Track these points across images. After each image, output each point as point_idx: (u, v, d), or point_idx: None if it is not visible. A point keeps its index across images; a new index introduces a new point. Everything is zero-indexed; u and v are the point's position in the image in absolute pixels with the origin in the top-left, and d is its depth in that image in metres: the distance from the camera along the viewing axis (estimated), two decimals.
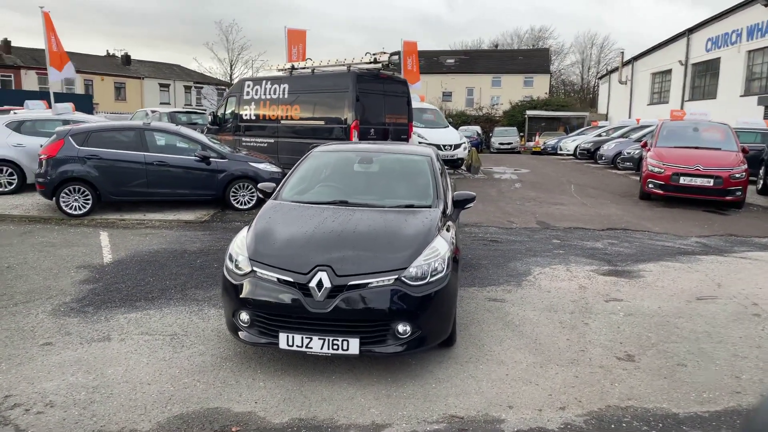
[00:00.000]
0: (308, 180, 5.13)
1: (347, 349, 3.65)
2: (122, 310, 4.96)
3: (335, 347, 3.66)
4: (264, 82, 13.27)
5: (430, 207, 4.62)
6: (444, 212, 4.68)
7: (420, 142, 15.18)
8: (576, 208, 11.33)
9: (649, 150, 12.32)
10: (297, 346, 3.68)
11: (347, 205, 4.61)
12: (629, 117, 31.77)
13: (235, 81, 13.75)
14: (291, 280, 3.75)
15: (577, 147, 23.49)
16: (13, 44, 45.08)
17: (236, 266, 3.97)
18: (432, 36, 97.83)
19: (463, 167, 16.72)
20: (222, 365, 3.96)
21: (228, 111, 14.08)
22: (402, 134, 12.89)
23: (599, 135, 23.27)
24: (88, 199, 9.09)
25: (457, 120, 40.09)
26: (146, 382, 3.69)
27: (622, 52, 38.03)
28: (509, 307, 5.33)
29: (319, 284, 3.69)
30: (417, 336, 3.78)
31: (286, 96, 12.69)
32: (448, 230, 4.51)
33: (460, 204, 5.03)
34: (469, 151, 16.82)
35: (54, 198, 8.99)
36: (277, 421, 3.28)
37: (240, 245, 4.10)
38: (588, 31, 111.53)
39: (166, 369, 3.88)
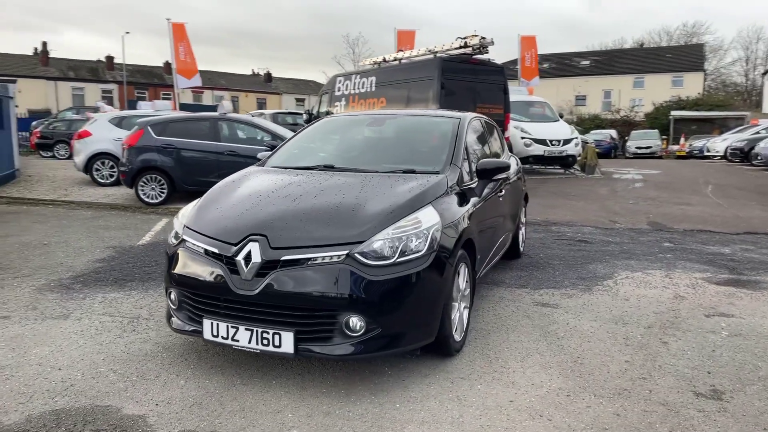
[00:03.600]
0: (307, 145, 4.31)
1: (279, 346, 2.74)
2: (108, 289, 4.52)
3: (265, 342, 2.77)
4: (354, 76, 12.78)
5: (437, 173, 3.55)
6: (459, 182, 3.59)
7: (523, 138, 13.71)
8: (706, 209, 9.23)
9: None
10: (222, 337, 2.85)
11: (333, 170, 3.71)
12: None
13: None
14: (216, 251, 2.93)
15: (727, 147, 20.02)
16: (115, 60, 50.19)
17: (174, 235, 3.26)
18: (570, 40, 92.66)
19: (576, 166, 14.82)
20: (156, 356, 3.26)
21: (322, 108, 13.82)
22: None
23: (756, 133, 19.59)
24: (164, 188, 9.16)
25: (590, 124, 36.88)
26: (58, 367, 3.10)
27: None
28: (559, 315, 4.03)
29: (248, 258, 2.83)
30: (375, 335, 2.75)
31: (373, 89, 12.06)
32: (462, 204, 3.42)
33: (486, 174, 3.85)
34: (583, 148, 14.88)
35: (133, 186, 9.18)
36: None
37: (183, 212, 3.40)
38: (753, 25, 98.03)
39: (93, 354, 3.27)
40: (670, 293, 4.61)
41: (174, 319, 3.11)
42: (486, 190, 4.01)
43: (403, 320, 2.84)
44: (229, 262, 2.86)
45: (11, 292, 4.42)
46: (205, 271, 2.92)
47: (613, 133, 31.43)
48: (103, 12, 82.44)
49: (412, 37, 20.93)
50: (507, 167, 3.94)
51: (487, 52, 11.30)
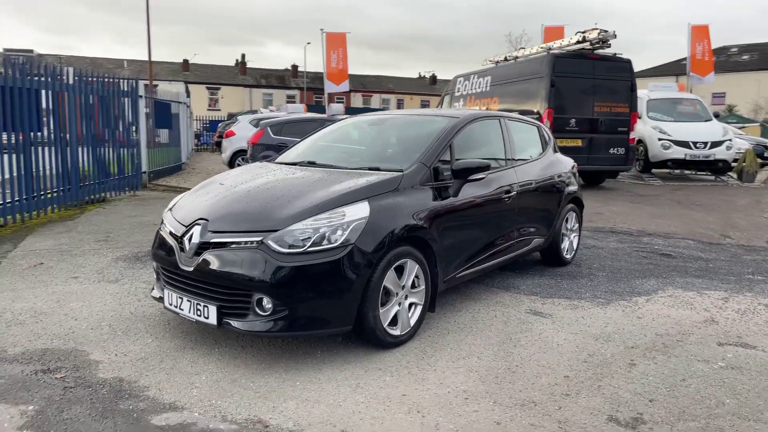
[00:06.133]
0: (312, 143, 4.64)
1: (208, 318, 3.13)
2: None
3: (198, 313, 3.18)
4: (472, 76, 12.75)
5: (398, 171, 3.63)
6: (426, 180, 3.63)
7: (660, 139, 12.37)
8: None
9: None
10: (173, 306, 3.33)
11: (313, 166, 4.00)
12: None
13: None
14: (172, 231, 3.42)
15: None
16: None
17: (161, 219, 3.84)
18: None
19: (732, 173, 12.87)
20: (149, 319, 3.83)
21: (443, 108, 14.01)
22: (619, 126, 10.71)
23: None
24: None
25: None
26: (75, 318, 3.84)
27: None
28: (540, 325, 3.82)
29: (191, 238, 3.27)
30: (283, 316, 3.00)
31: (488, 88, 11.93)
32: (418, 202, 3.48)
33: (460, 174, 3.79)
34: (743, 152, 12.85)
35: None
36: (104, 376, 3.02)
37: (176, 198, 3.97)
38: None
39: (107, 312, 3.96)
40: (703, 317, 4.04)
41: (154, 289, 3.68)
42: (472, 190, 3.95)
43: (312, 306, 3.03)
44: (179, 241, 3.34)
45: (95, 258, 5.48)
46: (164, 247, 3.43)
47: None
48: (294, 24, 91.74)
49: (561, 33, 19.97)
50: (485, 167, 3.83)
51: (608, 46, 10.51)
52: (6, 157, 6.82)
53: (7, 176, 6.89)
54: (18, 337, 3.50)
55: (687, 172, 14.42)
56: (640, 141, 12.85)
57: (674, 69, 42.94)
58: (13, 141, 6.93)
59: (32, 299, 4.21)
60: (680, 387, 2.96)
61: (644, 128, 12.79)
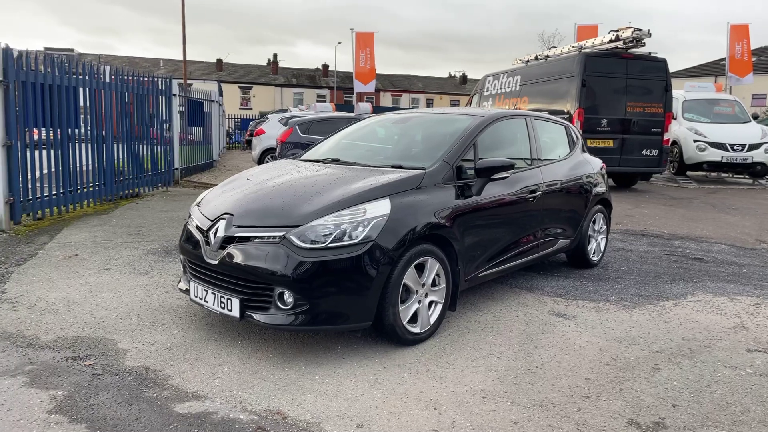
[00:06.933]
0: (337, 141, 4.68)
1: (231, 310, 3.19)
2: None
3: (222, 305, 3.25)
4: (502, 76, 12.64)
5: (420, 169, 3.64)
6: (449, 179, 3.64)
7: (696, 141, 12.06)
8: None
9: None
10: (198, 298, 3.41)
11: (338, 163, 4.04)
12: None
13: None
14: (199, 225, 3.51)
15: None
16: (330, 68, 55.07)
17: (188, 214, 3.93)
18: None
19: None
20: (177, 310, 3.94)
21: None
22: (653, 127, 10.48)
23: None
24: None
25: None
26: (106, 308, 3.96)
27: None
28: (562, 326, 3.78)
29: (216, 233, 3.34)
30: (304, 310, 3.04)
31: (517, 88, 11.82)
32: (440, 200, 3.48)
33: (483, 173, 3.78)
34: None
35: None
36: (130, 364, 3.11)
37: (204, 193, 4.05)
38: None
39: (137, 302, 4.09)
40: (733, 323, 3.94)
41: (181, 282, 3.77)
42: (496, 189, 3.94)
43: (333, 301, 3.07)
44: (205, 235, 3.41)
45: (127, 251, 5.64)
46: (193, 242, 3.52)
47: None
48: (324, 24, 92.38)
49: (595, 32, 19.63)
50: (509, 166, 3.81)
51: (643, 45, 10.29)
52: (45, 152, 7.07)
53: (45, 171, 7.14)
54: (51, 324, 3.64)
55: (723, 175, 14.01)
56: (674, 142, 12.55)
57: (713, 69, 41.72)
58: (52, 137, 7.18)
59: (66, 289, 4.36)
60: (705, 393, 2.89)
61: (679, 129, 12.48)
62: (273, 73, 55.55)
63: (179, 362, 3.13)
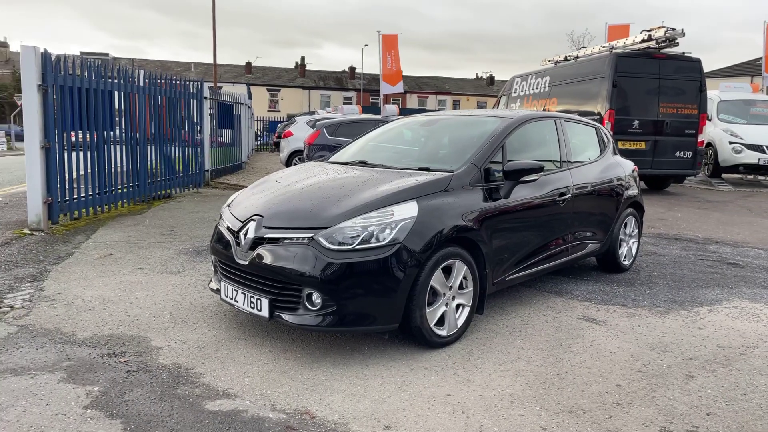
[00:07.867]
0: (364, 143, 4.70)
1: (260, 310, 3.24)
2: None
3: (252, 305, 3.30)
4: (530, 77, 12.52)
5: (448, 172, 3.64)
6: (477, 181, 3.62)
7: (732, 143, 11.74)
8: None
9: None
10: (229, 297, 3.47)
11: (365, 165, 4.06)
12: None
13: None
14: (230, 226, 3.57)
15: None
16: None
17: (219, 215, 4.00)
18: None
19: None
20: (207, 309, 4.01)
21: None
22: (687, 129, 10.25)
23: None
24: None
25: None
26: (139, 306, 4.07)
27: None
28: (592, 332, 3.73)
29: (246, 234, 3.39)
30: (331, 311, 3.06)
31: (546, 89, 11.69)
32: (467, 202, 3.47)
33: (512, 175, 3.75)
34: None
35: None
36: (163, 362, 3.19)
37: (235, 194, 4.12)
38: None
39: (169, 301, 4.18)
40: (767, 330, 3.83)
41: (212, 281, 3.84)
42: (524, 192, 3.91)
43: (360, 302, 3.08)
44: (236, 236, 3.47)
45: (160, 251, 5.76)
46: (222, 242, 3.58)
47: None
48: (350, 26, 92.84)
49: (626, 31, 19.31)
50: (538, 169, 3.77)
51: (676, 45, 10.07)
52: (81, 154, 7.28)
53: (82, 172, 7.34)
54: (87, 322, 3.75)
55: (760, 177, 13.61)
56: (709, 144, 12.24)
57: (748, 69, 40.53)
58: (88, 139, 7.38)
59: (101, 287, 4.48)
60: (740, 401, 2.82)
61: (714, 131, 12.17)
62: (301, 76, 56.08)
63: (210, 360, 3.19)
